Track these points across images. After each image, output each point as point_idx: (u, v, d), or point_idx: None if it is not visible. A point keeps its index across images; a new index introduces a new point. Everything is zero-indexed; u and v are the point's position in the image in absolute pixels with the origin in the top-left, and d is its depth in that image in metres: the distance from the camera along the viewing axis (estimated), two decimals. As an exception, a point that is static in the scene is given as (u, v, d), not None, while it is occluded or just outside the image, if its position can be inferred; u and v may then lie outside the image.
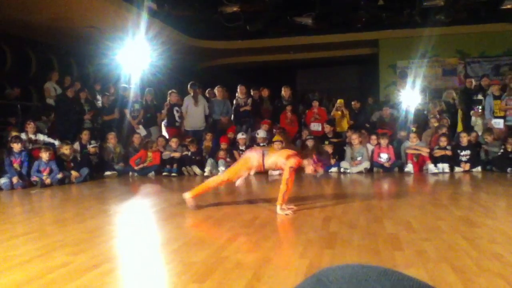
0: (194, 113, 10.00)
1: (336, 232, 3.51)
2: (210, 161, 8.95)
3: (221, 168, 8.80)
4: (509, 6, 11.04)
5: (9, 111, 9.69)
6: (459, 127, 9.82)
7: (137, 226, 4.24)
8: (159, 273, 2.71)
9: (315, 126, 10.17)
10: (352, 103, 10.94)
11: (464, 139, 8.59)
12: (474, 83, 10.61)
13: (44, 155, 7.59)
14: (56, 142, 8.62)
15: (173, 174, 8.93)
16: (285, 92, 10.67)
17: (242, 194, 6.47)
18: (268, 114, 10.54)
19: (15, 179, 7.21)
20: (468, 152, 8.47)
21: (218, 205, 5.13)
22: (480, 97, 9.91)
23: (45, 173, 7.53)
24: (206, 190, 5.00)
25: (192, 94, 10.05)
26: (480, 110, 9.71)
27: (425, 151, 8.55)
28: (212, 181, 4.95)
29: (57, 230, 3.99)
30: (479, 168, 8.38)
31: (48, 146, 8.11)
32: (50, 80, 10.53)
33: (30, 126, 8.51)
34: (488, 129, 9.08)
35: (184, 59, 14.52)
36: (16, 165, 7.46)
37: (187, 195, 4.78)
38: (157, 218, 4.62)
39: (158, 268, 2.82)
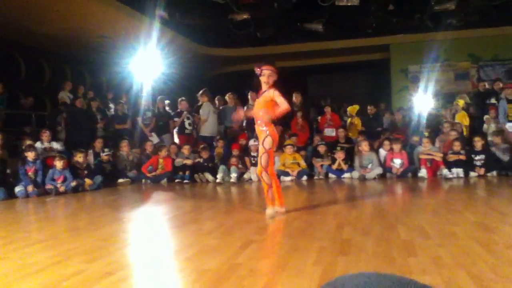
0: (213, 120, 10.05)
1: (350, 238, 3.49)
2: (222, 168, 8.96)
3: (233, 174, 8.81)
4: (521, 9, 10.93)
5: (23, 120, 9.83)
6: (464, 131, 9.68)
7: (150, 234, 4.26)
8: (173, 281, 2.72)
9: (329, 132, 10.15)
10: (368, 108, 10.87)
11: (478, 143, 8.48)
12: (487, 86, 10.49)
13: (58, 164, 7.68)
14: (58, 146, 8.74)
15: (186, 181, 8.96)
16: (296, 98, 10.67)
17: (254, 200, 6.47)
18: (279, 120, 10.54)
19: (30, 188, 7.30)
20: (482, 156, 8.36)
21: (230, 212, 5.12)
22: (493, 101, 9.80)
23: (59, 181, 7.62)
24: (269, 186, 4.67)
25: (207, 100, 10.10)
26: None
27: (438, 156, 8.46)
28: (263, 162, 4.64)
29: (72, 238, 4.03)
30: (494, 173, 8.26)
31: (62, 154, 8.20)
32: (63, 90, 10.66)
33: (45, 135, 8.63)
34: (498, 131, 8.92)
35: (195, 67, 14.61)
36: (30, 174, 7.56)
37: (269, 211, 4.60)
38: (170, 226, 4.63)
39: (171, 275, 2.83)
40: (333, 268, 2.72)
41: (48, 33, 10.25)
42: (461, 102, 10.16)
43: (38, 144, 8.32)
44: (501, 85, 10.00)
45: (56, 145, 8.76)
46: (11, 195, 7.19)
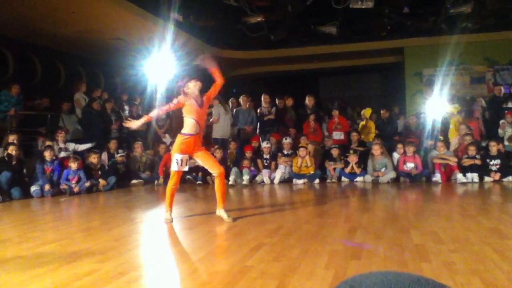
0: (224, 122, 10.07)
1: (362, 242, 3.47)
2: (234, 170, 8.97)
3: (246, 176, 8.81)
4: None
5: (39, 121, 9.95)
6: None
7: (162, 235, 4.29)
8: (184, 282, 2.73)
9: (337, 135, 10.07)
10: (382, 112, 10.79)
11: (494, 148, 8.37)
12: (503, 90, 10.35)
13: (73, 164, 7.78)
14: (87, 145, 8.87)
15: (198, 182, 8.99)
16: (309, 101, 10.66)
17: (266, 203, 6.47)
18: (292, 123, 10.54)
19: (47, 187, 7.42)
20: (497, 161, 8.25)
21: (242, 214, 5.13)
22: (510, 105, 9.66)
23: (73, 182, 7.71)
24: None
25: (219, 103, 10.13)
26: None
27: (453, 161, 8.36)
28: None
29: (85, 237, 4.07)
30: (510, 178, 8.14)
31: (76, 155, 8.31)
32: (78, 91, 10.77)
33: (61, 135, 8.75)
34: None
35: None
36: (47, 173, 7.67)
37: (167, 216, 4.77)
38: (182, 227, 4.65)
39: (183, 277, 2.84)
40: (345, 271, 2.71)
41: (64, 35, 10.39)
42: (453, 109, 10.12)
43: (53, 145, 8.44)
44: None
45: (71, 146, 8.88)
46: (26, 195, 7.30)
